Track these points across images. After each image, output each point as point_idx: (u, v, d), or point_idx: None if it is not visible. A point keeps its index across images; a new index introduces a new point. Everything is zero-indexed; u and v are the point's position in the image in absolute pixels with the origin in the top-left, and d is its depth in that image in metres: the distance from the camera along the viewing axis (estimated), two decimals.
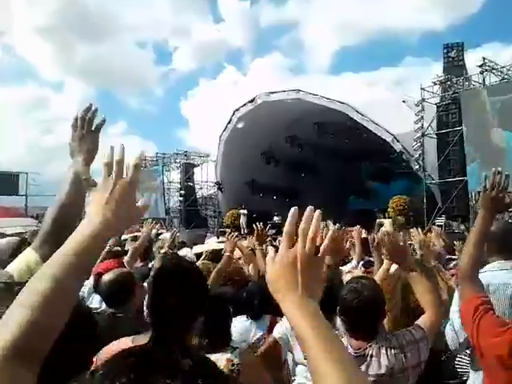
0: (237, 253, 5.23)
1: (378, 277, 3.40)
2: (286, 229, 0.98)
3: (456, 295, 2.75)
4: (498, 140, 19.17)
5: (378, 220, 14.75)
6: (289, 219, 0.98)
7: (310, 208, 0.98)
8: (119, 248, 5.05)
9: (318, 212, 0.98)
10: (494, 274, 2.62)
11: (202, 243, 8.46)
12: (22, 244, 2.64)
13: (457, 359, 2.91)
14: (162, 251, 4.30)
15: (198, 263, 4.63)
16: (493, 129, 19.31)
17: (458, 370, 2.92)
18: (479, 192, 2.14)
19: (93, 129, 1.65)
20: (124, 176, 1.10)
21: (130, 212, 1.09)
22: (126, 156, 1.11)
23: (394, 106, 24.75)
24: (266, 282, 1.00)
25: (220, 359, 2.20)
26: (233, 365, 2.18)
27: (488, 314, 1.92)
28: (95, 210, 1.05)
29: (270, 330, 3.15)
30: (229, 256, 4.14)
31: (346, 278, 3.44)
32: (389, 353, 2.10)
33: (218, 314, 2.37)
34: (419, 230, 4.08)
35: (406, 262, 2.31)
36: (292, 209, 0.98)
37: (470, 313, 1.96)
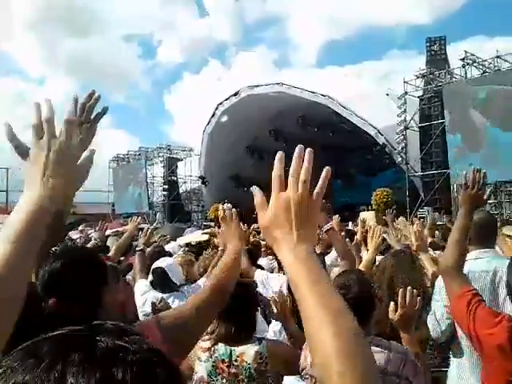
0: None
1: (362, 268, 3.41)
2: (274, 172, 0.92)
3: (437, 284, 2.79)
4: (478, 124, 19.44)
5: (360, 213, 14.87)
6: (276, 163, 0.92)
7: (299, 147, 0.92)
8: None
9: (308, 150, 0.91)
10: (473, 262, 2.66)
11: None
12: None
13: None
14: (138, 249, 4.19)
15: (178, 258, 4.59)
16: (474, 114, 19.54)
17: (442, 358, 2.96)
18: (461, 185, 2.18)
19: (92, 118, 1.55)
20: (57, 135, 0.99)
21: (73, 172, 1.00)
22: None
23: (378, 99, 24.91)
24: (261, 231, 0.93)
25: (247, 352, 2.20)
26: (261, 358, 2.18)
27: (481, 306, 1.93)
28: (33, 181, 0.95)
29: None
30: (224, 250, 4.04)
31: (335, 270, 3.45)
32: (383, 351, 2.03)
33: (243, 301, 2.30)
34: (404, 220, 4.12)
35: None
36: (278, 153, 0.92)
37: (463, 308, 1.96)
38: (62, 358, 0.48)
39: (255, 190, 0.96)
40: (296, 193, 0.90)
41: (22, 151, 1.00)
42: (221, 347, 2.24)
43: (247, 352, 2.20)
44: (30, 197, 0.93)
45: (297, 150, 0.92)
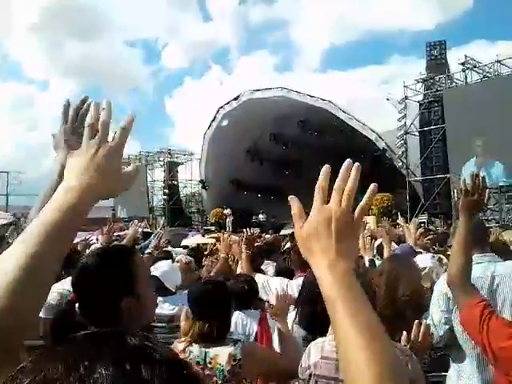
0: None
1: None
2: (319, 183, 0.90)
3: (435, 289, 2.79)
4: (478, 129, 19.31)
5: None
6: (322, 174, 0.90)
7: (348, 161, 0.90)
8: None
9: (356, 165, 0.89)
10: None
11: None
12: (0, 240, 2.55)
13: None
14: (147, 251, 4.22)
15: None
16: (474, 119, 19.41)
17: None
18: (461, 190, 2.12)
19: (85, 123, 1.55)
20: (109, 140, 0.99)
21: (115, 177, 0.98)
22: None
23: (379, 103, 24.93)
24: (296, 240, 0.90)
25: (221, 354, 2.18)
26: (235, 360, 2.16)
27: (494, 317, 1.89)
28: (73, 174, 0.93)
29: (260, 323, 3.13)
30: (224, 257, 4.40)
31: None
32: None
33: (217, 301, 2.33)
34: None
35: None
36: (325, 166, 0.91)
37: (474, 320, 1.91)
38: (93, 350, 0.51)
39: (293, 199, 0.93)
40: (339, 206, 0.88)
41: (72, 148, 1.02)
42: (195, 348, 2.23)
43: (221, 354, 2.18)
44: (66, 187, 0.91)
45: (345, 163, 0.90)
